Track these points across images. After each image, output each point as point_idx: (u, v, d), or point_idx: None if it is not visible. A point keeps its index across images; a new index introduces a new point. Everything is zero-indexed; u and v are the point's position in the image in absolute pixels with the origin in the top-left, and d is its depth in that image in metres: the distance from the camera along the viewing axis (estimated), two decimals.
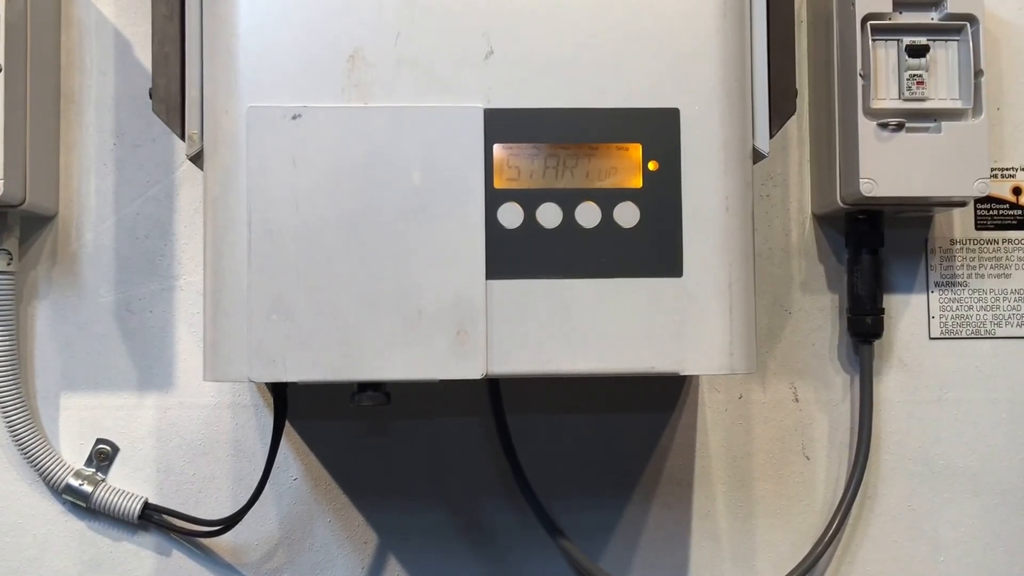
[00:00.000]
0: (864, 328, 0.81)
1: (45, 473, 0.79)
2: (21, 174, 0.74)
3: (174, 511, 0.80)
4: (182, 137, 0.65)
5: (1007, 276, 0.84)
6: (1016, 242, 0.85)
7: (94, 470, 0.80)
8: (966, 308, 0.84)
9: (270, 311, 0.60)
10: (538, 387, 0.82)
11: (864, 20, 0.75)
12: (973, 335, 0.84)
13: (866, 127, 0.75)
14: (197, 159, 0.64)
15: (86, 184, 0.81)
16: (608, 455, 0.82)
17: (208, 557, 0.81)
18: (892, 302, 0.84)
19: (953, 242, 0.85)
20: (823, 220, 0.84)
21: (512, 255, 0.61)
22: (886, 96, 0.76)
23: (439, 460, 0.82)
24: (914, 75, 0.76)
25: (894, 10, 0.76)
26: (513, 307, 0.61)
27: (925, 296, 0.84)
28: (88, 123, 0.82)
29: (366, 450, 0.82)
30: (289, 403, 0.76)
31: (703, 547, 0.83)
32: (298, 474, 0.81)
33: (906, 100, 0.76)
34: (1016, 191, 0.85)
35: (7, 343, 0.78)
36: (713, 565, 0.83)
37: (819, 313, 0.84)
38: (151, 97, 0.65)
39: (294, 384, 0.74)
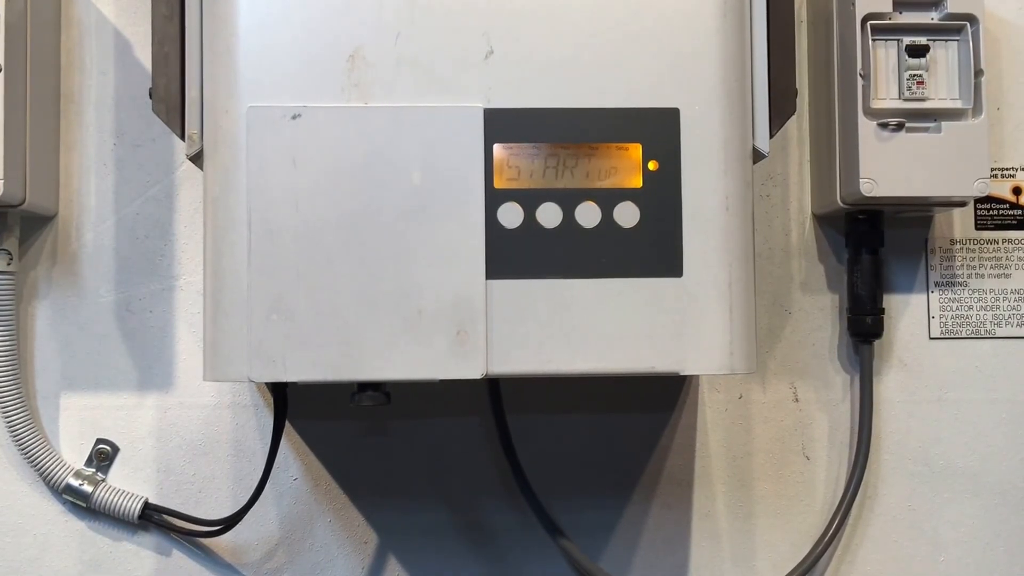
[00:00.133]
0: (864, 328, 0.81)
1: (45, 473, 0.79)
2: (21, 174, 0.74)
3: (174, 511, 0.80)
4: (182, 137, 0.65)
5: (1007, 276, 0.84)
6: (1016, 242, 0.85)
7: (94, 470, 0.80)
8: (966, 308, 0.84)
9: (270, 311, 0.60)
10: (538, 387, 0.82)
11: (864, 20, 0.75)
12: (973, 335, 0.84)
13: (866, 127, 0.75)
14: (197, 159, 0.64)
15: (86, 184, 0.81)
16: (608, 455, 0.82)
17: (208, 557, 0.81)
18: (892, 302, 0.84)
19: (953, 242, 0.85)
20: (823, 220, 0.84)
21: (512, 255, 0.61)
22: (886, 96, 0.76)
23: (439, 460, 0.82)
24: (914, 75, 0.76)
25: (894, 10, 0.76)
26: (513, 307, 0.61)
27: (925, 296, 0.84)
28: (88, 123, 0.82)
29: (366, 450, 0.82)
30: (289, 403, 0.76)
31: (703, 547, 0.83)
32: (298, 474, 0.81)
33: (906, 100, 0.76)
34: (1016, 191, 0.85)
35: (7, 343, 0.78)
36: (713, 565, 0.83)
37: (819, 313, 0.84)
38: (151, 97, 0.65)
39: (294, 384, 0.74)
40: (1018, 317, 0.84)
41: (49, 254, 0.81)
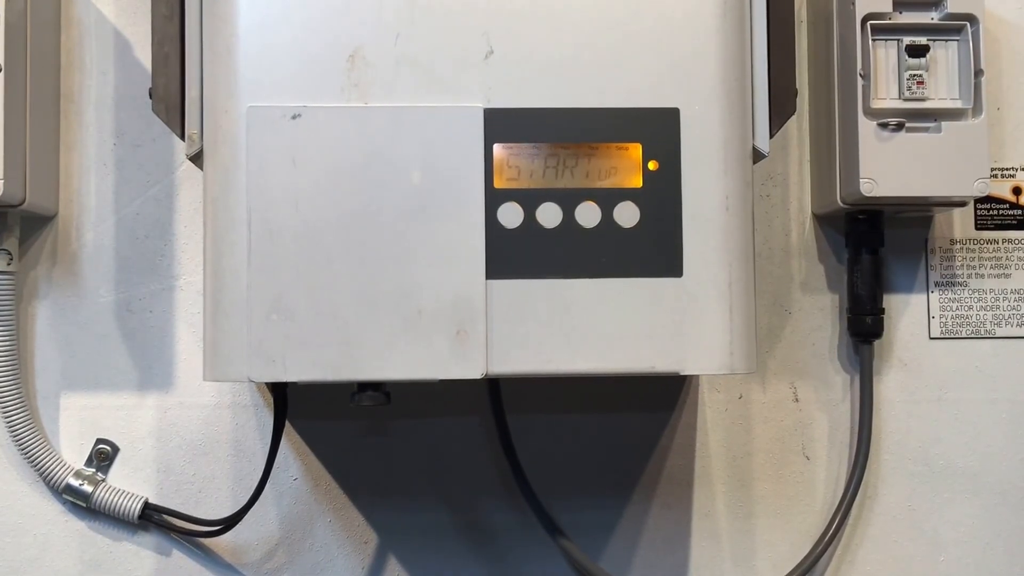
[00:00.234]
0: (864, 328, 0.81)
1: (45, 473, 0.79)
2: (21, 174, 0.74)
3: (174, 511, 0.80)
4: (182, 137, 0.65)
5: (1007, 276, 0.84)
6: (1016, 242, 0.85)
7: (94, 470, 0.80)
8: (966, 308, 0.84)
9: (270, 311, 0.60)
10: (538, 387, 0.82)
11: (864, 20, 0.75)
12: (973, 335, 0.84)
13: (866, 127, 0.75)
14: (197, 159, 0.64)
15: (86, 184, 0.81)
16: (608, 455, 0.82)
17: (208, 557, 0.81)
18: (892, 302, 0.84)
19: (953, 242, 0.85)
20: (823, 220, 0.84)
21: (512, 255, 0.61)
22: (886, 96, 0.76)
23: (439, 460, 0.82)
24: (914, 75, 0.76)
25: (894, 10, 0.76)
26: (513, 307, 0.61)
27: (925, 296, 0.84)
28: (88, 123, 0.82)
29: (366, 450, 0.82)
30: (289, 403, 0.76)
31: (703, 547, 0.83)
32: (298, 474, 0.81)
33: (906, 100, 0.76)
34: (1016, 191, 0.85)
35: (7, 343, 0.78)
36: (713, 565, 0.83)
37: (819, 313, 0.84)
38: (151, 97, 0.65)
39: (294, 384, 0.74)
40: (1018, 317, 0.84)
41: (49, 254, 0.81)
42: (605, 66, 0.62)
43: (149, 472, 0.81)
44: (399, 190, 0.61)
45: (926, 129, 0.76)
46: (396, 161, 0.61)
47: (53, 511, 0.80)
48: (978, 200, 0.83)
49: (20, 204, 0.74)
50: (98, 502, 0.79)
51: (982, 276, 0.84)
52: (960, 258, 0.84)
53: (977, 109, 0.76)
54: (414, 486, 0.82)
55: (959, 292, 0.84)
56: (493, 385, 0.78)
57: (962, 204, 0.79)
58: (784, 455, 0.83)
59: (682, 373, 0.63)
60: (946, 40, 0.77)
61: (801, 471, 0.83)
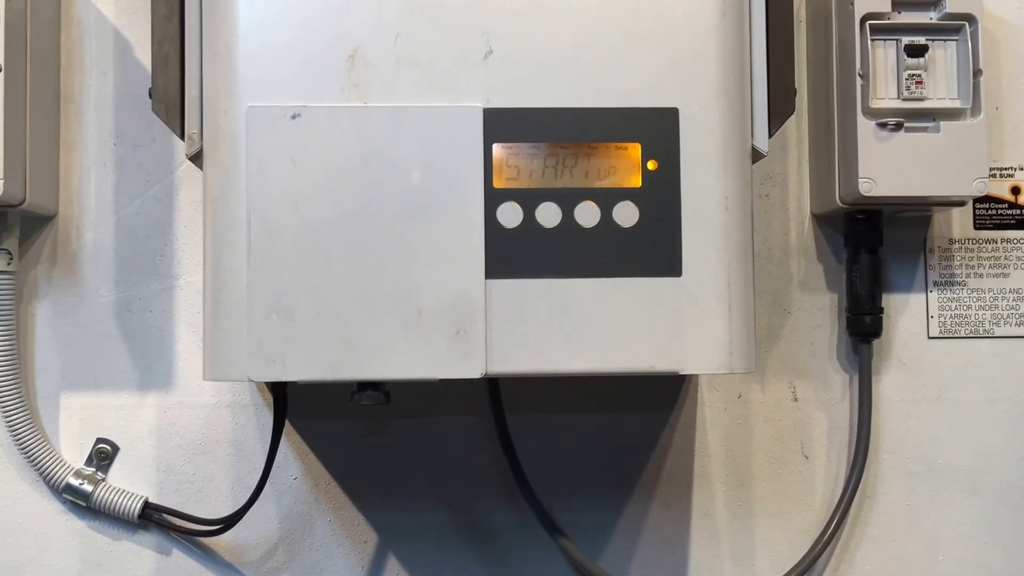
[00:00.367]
0: (863, 327, 0.81)
1: (45, 473, 0.79)
2: (21, 174, 0.74)
3: (174, 510, 0.80)
4: (182, 137, 0.65)
5: (1006, 275, 0.84)
6: (1015, 241, 0.85)
7: (94, 469, 0.80)
8: (965, 308, 0.84)
9: (270, 311, 0.60)
10: (538, 386, 0.82)
11: (863, 20, 0.75)
12: (972, 334, 0.84)
13: (865, 127, 0.75)
14: (197, 159, 0.64)
15: (86, 184, 0.81)
16: (608, 454, 0.83)
17: (208, 556, 0.81)
18: (891, 301, 0.84)
19: (952, 242, 0.85)
20: (822, 219, 0.84)
21: (511, 254, 0.61)
22: (885, 96, 0.76)
23: (439, 460, 0.82)
24: (913, 75, 0.76)
25: (893, 10, 0.76)
26: (512, 306, 0.61)
27: (924, 295, 0.84)
28: (88, 123, 0.82)
29: (366, 450, 0.82)
30: (289, 402, 0.76)
31: (702, 546, 0.83)
32: (298, 473, 0.81)
33: (905, 100, 0.76)
34: (1015, 191, 0.85)
35: (7, 343, 0.78)
36: (712, 564, 0.83)
37: (818, 312, 0.84)
38: (151, 97, 0.65)
39: (294, 383, 0.74)
40: (1017, 316, 0.84)
41: (49, 254, 0.81)
42: (604, 66, 0.62)
43: (149, 471, 0.81)
44: (399, 190, 0.61)
45: (925, 129, 0.76)
46: (396, 161, 0.61)
47: (53, 510, 0.80)
48: (977, 200, 0.83)
49: (20, 204, 0.74)
50: (98, 501, 0.79)
51: (981, 276, 0.84)
52: (959, 258, 0.84)
53: (976, 109, 0.76)
54: (414, 486, 0.82)
55: (958, 292, 0.84)
56: (493, 385, 0.78)
57: (961, 204, 0.79)
58: (783, 454, 0.83)
59: (681, 373, 0.63)
60: (945, 40, 0.77)
61: (800, 470, 0.83)
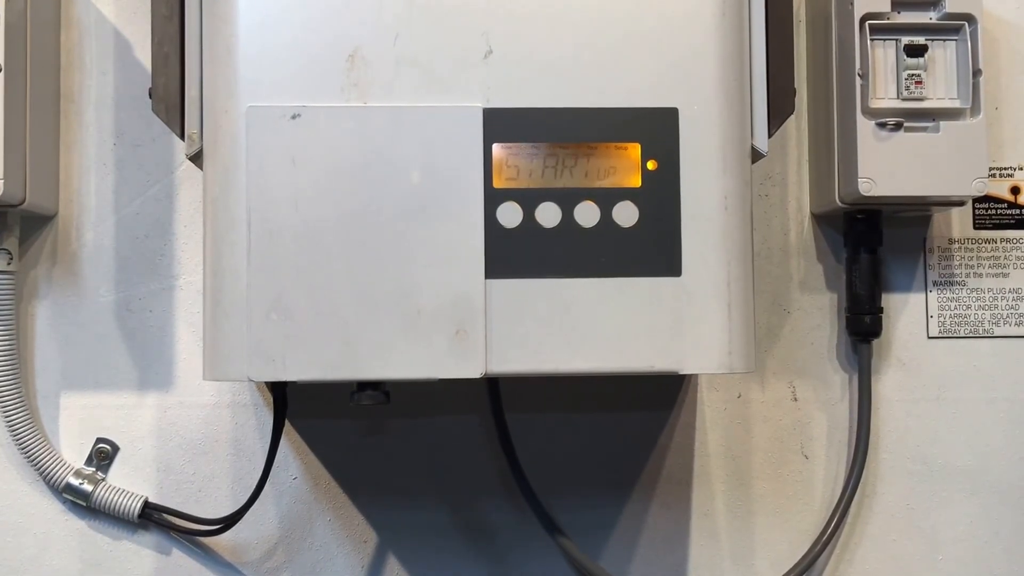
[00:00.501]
0: (863, 327, 0.81)
1: (45, 472, 0.79)
2: (21, 174, 0.74)
3: (174, 510, 0.80)
4: (182, 137, 0.65)
5: (1005, 275, 0.84)
6: (1014, 241, 0.85)
7: (94, 469, 0.80)
8: (964, 307, 0.84)
9: (269, 310, 0.60)
10: (537, 386, 0.82)
11: (863, 20, 0.75)
12: (971, 334, 0.84)
13: (865, 126, 0.75)
14: (197, 159, 0.64)
15: (86, 184, 0.82)
16: (607, 454, 0.83)
17: (208, 556, 0.81)
18: (891, 301, 0.84)
19: (951, 241, 0.85)
20: (822, 219, 0.84)
21: (511, 254, 0.61)
22: (884, 95, 0.77)
23: (438, 459, 0.82)
24: (912, 75, 0.76)
25: (892, 10, 0.76)
26: (512, 306, 0.61)
27: (924, 295, 0.84)
28: (88, 123, 0.82)
29: (366, 449, 0.82)
30: (289, 402, 0.76)
31: (702, 546, 0.83)
32: (298, 473, 0.81)
33: (904, 100, 0.76)
34: (1014, 190, 0.85)
35: (7, 343, 0.78)
36: (712, 564, 0.83)
37: (818, 312, 0.84)
38: (151, 97, 0.65)
39: (294, 383, 0.74)
40: (1016, 316, 0.84)
41: (49, 254, 0.81)
42: (604, 66, 0.62)
43: (149, 471, 0.81)
44: (399, 190, 0.61)
45: (924, 129, 0.76)
46: (396, 161, 0.61)
47: (53, 510, 0.80)
48: (976, 199, 0.83)
49: (20, 204, 0.74)
50: (98, 501, 0.79)
51: (980, 275, 0.84)
52: (958, 257, 0.85)
53: (975, 109, 0.76)
54: (413, 485, 0.82)
55: (957, 291, 0.84)
56: (492, 384, 0.78)
57: (960, 204, 0.79)
58: (783, 454, 0.83)
59: (681, 372, 0.63)
60: (944, 40, 0.77)
61: (800, 470, 0.83)
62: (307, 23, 0.61)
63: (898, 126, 0.75)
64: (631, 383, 0.83)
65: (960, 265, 0.84)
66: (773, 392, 0.84)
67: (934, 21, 0.77)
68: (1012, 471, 0.84)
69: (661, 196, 0.62)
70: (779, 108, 0.67)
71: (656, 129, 0.62)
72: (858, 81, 0.75)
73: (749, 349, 0.63)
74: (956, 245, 0.85)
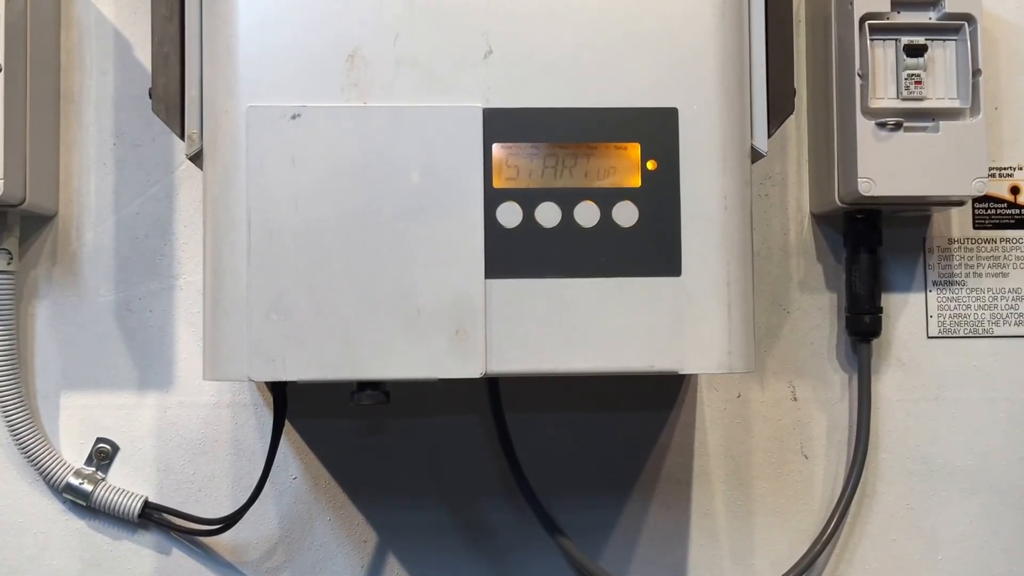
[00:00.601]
0: (862, 327, 0.82)
1: (45, 472, 0.79)
2: (21, 174, 0.74)
3: (174, 510, 0.80)
4: (182, 137, 0.65)
5: (1005, 275, 0.85)
6: (1014, 241, 0.85)
7: (94, 469, 0.81)
8: (964, 307, 0.84)
9: (269, 310, 0.60)
10: (537, 386, 0.82)
11: (862, 20, 0.75)
12: (971, 334, 0.84)
13: (864, 126, 0.75)
14: (197, 159, 0.64)
15: (86, 184, 0.82)
16: (607, 454, 0.83)
17: (208, 556, 0.81)
18: (890, 301, 0.84)
19: (951, 241, 0.85)
20: (821, 219, 0.84)
21: (511, 254, 0.61)
22: (884, 95, 0.77)
23: (438, 459, 0.82)
24: (912, 75, 0.76)
25: (892, 10, 0.76)
26: (512, 306, 0.61)
27: (923, 295, 0.84)
28: (88, 123, 0.82)
29: (366, 449, 0.82)
30: (288, 402, 0.76)
31: (702, 545, 0.83)
32: (298, 473, 0.82)
33: (904, 99, 0.76)
34: (1014, 190, 0.85)
35: (7, 343, 0.78)
36: (712, 563, 0.83)
37: (817, 312, 0.84)
38: (151, 97, 0.65)
39: (294, 383, 0.74)
40: (1016, 316, 0.84)
41: (49, 254, 0.81)
42: (604, 66, 0.62)
43: (149, 471, 0.81)
44: (398, 190, 0.61)
45: (924, 129, 0.76)
46: (395, 161, 0.61)
47: (53, 510, 0.80)
48: (976, 199, 0.83)
49: (20, 204, 0.75)
50: (98, 501, 0.79)
51: (980, 275, 0.84)
52: (958, 257, 0.85)
53: (975, 109, 0.76)
54: (413, 485, 0.82)
55: (957, 291, 0.84)
56: (492, 384, 0.78)
57: (960, 203, 0.79)
58: (783, 454, 0.83)
59: (681, 372, 0.63)
60: (944, 40, 0.77)
61: (800, 470, 0.83)
62: (307, 23, 0.61)
63: (898, 126, 0.75)
64: (631, 383, 0.83)
65: (960, 265, 0.84)
66: (773, 392, 0.84)
67: (934, 21, 0.77)
68: (1012, 471, 0.84)
69: (661, 196, 0.62)
70: (779, 108, 0.67)
71: (656, 129, 0.62)
72: (858, 81, 0.75)
73: (749, 349, 0.63)
74: (956, 245, 0.85)
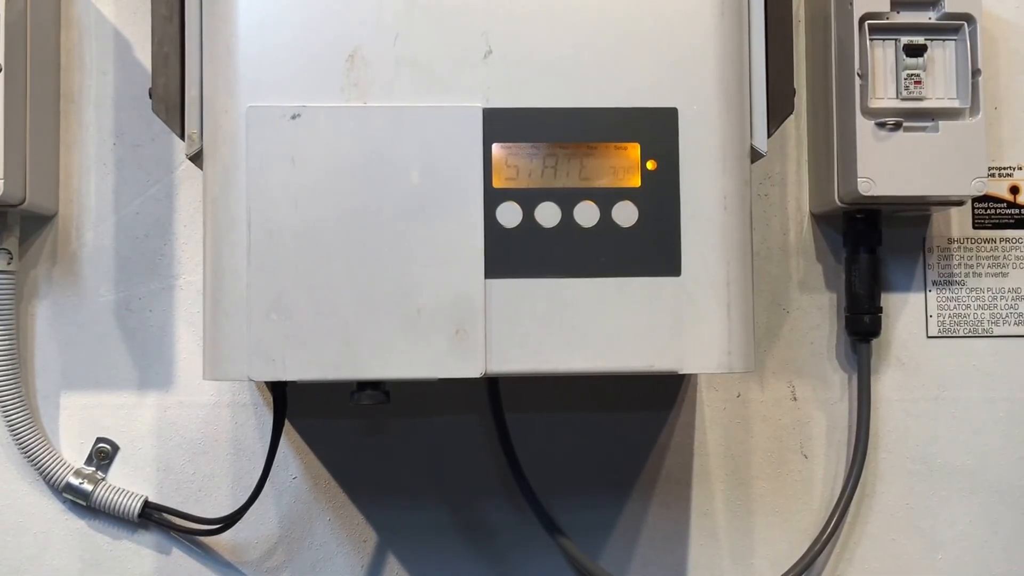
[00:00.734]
0: (862, 327, 0.82)
1: (45, 472, 0.79)
2: (21, 174, 0.74)
3: (174, 510, 0.80)
4: (182, 137, 0.65)
5: (1004, 275, 0.85)
6: (1014, 241, 0.85)
7: (94, 469, 0.81)
8: (963, 307, 0.84)
9: (269, 310, 0.60)
10: (537, 386, 0.82)
11: (862, 19, 0.75)
12: (971, 334, 0.84)
13: (864, 126, 0.75)
14: (197, 159, 0.64)
15: (86, 184, 0.82)
16: (607, 454, 0.83)
17: (208, 555, 0.81)
18: (890, 301, 0.84)
19: (951, 241, 0.85)
20: (821, 219, 0.84)
21: (511, 254, 0.61)
22: (884, 95, 0.77)
23: (438, 459, 0.82)
24: (912, 74, 0.76)
25: (892, 9, 0.76)
26: (512, 306, 0.61)
27: (923, 295, 0.84)
28: (88, 123, 0.82)
29: (365, 449, 0.82)
30: (288, 402, 0.76)
31: (702, 545, 0.83)
32: (297, 473, 0.82)
33: (904, 99, 0.76)
34: (1014, 190, 0.85)
35: (7, 343, 0.78)
36: (712, 563, 0.83)
37: (817, 312, 0.84)
38: (151, 97, 0.65)
39: (293, 383, 0.74)
40: (1015, 316, 0.84)
41: (49, 254, 0.81)
42: (604, 66, 0.62)
43: (149, 471, 0.81)
44: (398, 190, 0.61)
45: (924, 128, 0.76)
46: (395, 161, 0.61)
47: (53, 510, 0.81)
48: (976, 199, 0.83)
49: (20, 204, 0.75)
50: (98, 501, 0.79)
51: (980, 275, 0.85)
52: (958, 257, 0.85)
53: (975, 108, 0.76)
54: (413, 485, 0.82)
55: (957, 291, 0.84)
56: (492, 384, 0.78)
57: (960, 203, 0.79)
58: (782, 454, 0.83)
59: (680, 372, 0.63)
60: (944, 40, 0.77)
61: (799, 469, 0.83)
62: (307, 23, 0.61)
63: (897, 126, 0.75)
64: (631, 383, 0.83)
65: (959, 265, 0.85)
66: (772, 392, 0.84)
67: (933, 21, 0.77)
68: (1011, 471, 0.84)
69: (660, 196, 0.62)
70: (778, 108, 0.67)
71: (656, 129, 0.62)
72: (857, 81, 0.75)
73: (748, 349, 0.63)
74: (955, 245, 0.85)
